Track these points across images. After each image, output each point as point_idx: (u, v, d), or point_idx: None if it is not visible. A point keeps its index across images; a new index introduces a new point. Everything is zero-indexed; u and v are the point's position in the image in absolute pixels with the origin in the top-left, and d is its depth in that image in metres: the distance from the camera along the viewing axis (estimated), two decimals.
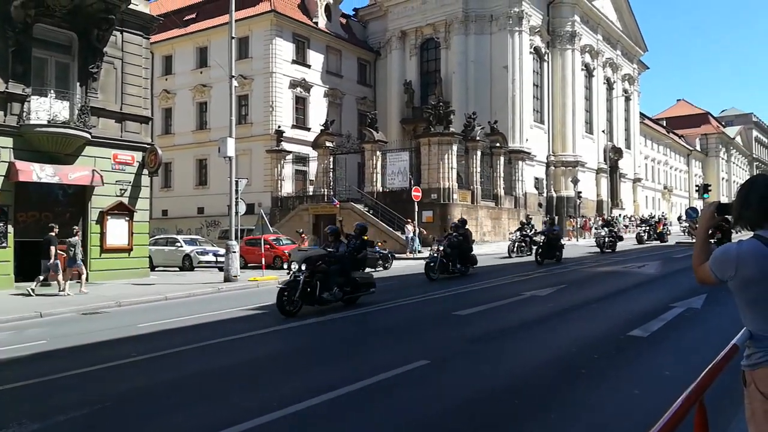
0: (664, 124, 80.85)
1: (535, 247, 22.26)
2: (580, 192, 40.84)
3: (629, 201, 56.55)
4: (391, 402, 5.49)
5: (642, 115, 65.03)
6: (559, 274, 16.65)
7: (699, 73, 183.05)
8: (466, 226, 17.93)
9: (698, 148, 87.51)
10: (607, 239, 25.65)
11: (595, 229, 32.17)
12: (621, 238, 28.52)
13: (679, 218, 47.37)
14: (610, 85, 52.94)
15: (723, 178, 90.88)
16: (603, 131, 49.17)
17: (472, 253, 17.60)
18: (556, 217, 27.76)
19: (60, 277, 14.73)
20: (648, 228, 32.85)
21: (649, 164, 68.79)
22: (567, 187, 42.70)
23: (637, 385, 5.74)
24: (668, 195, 74.85)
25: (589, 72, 48.34)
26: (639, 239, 31.09)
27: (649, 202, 66.51)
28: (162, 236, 27.61)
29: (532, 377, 6.21)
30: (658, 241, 31.63)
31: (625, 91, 56.12)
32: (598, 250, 25.62)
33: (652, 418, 1.99)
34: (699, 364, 6.35)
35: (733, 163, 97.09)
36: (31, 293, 14.51)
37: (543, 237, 21.39)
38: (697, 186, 37.67)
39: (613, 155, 50.12)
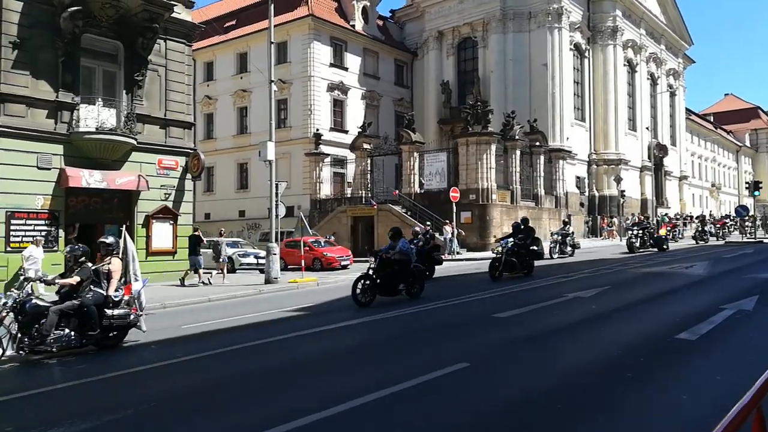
0: (712, 120, 78.26)
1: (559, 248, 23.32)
2: (624, 191, 39.91)
3: (675, 199, 54.91)
4: (431, 404, 5.45)
5: (688, 111, 63.09)
6: (603, 276, 16.29)
7: (748, 66, 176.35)
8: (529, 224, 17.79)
9: (748, 143, 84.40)
10: (639, 240, 24.66)
11: (627, 229, 29.24)
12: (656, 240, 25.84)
13: (727, 216, 45.47)
14: (654, 80, 51.55)
15: None
16: (647, 128, 47.89)
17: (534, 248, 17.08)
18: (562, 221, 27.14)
19: (201, 270, 18.32)
20: (641, 232, 25.47)
21: (696, 161, 66.67)
22: (610, 186, 41.76)
23: (686, 391, 5.56)
24: (716, 193, 72.38)
25: (631, 67, 47.18)
26: (630, 247, 24.45)
27: (696, 200, 64.43)
28: (206, 239, 28.11)
29: (576, 381, 6.07)
30: (655, 249, 25.09)
31: (670, 86, 54.54)
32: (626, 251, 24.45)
33: (701, 425, 1.92)
34: (752, 368, 6.14)
35: None
36: (182, 283, 17.93)
37: (557, 237, 22.58)
38: (747, 183, 36.36)
39: (658, 152, 48.76)
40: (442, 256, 21.96)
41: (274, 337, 9.25)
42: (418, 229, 19.05)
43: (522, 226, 17.21)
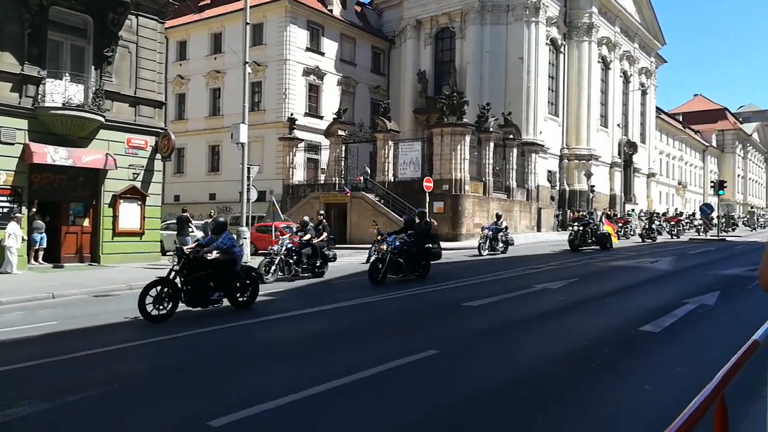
0: (681, 119, 79.93)
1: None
2: (593, 186, 40.52)
3: (643, 196, 56.06)
4: (399, 390, 5.46)
5: (658, 110, 64.29)
6: (571, 268, 16.53)
7: (717, 69, 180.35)
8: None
9: (714, 144, 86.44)
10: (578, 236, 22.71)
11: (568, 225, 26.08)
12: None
13: (693, 214, 46.55)
14: (626, 78, 52.33)
15: (739, 175, 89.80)
16: (618, 125, 48.69)
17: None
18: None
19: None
20: (581, 228, 22.95)
21: (665, 159, 68.09)
22: (580, 181, 42.38)
23: (649, 381, 5.67)
24: (682, 191, 74.12)
25: (605, 64, 47.80)
26: (570, 244, 22.69)
27: (663, 197, 65.89)
28: (173, 221, 27.73)
29: (542, 370, 6.15)
30: (597, 246, 23.16)
31: (642, 84, 55.45)
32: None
33: (663, 414, 1.94)
34: (711, 361, 6.30)
35: (750, 160, 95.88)
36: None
37: (488, 232, 21.77)
38: (712, 182, 37.23)
39: (628, 149, 49.65)
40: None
41: (242, 321, 9.15)
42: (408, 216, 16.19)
43: (417, 221, 15.09)
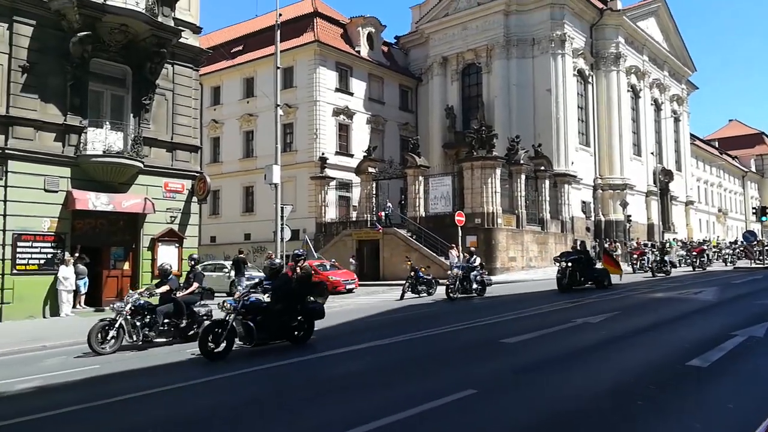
0: (717, 145, 78.32)
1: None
2: (630, 216, 39.77)
3: (682, 225, 54.70)
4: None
5: (693, 137, 63.20)
6: (612, 301, 16.12)
7: (752, 93, 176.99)
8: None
9: (753, 169, 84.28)
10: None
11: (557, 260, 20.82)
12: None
13: (705, 241, 43.45)
14: (657, 106, 51.77)
15: None
16: (652, 153, 47.95)
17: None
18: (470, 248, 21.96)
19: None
20: (569, 265, 19.20)
21: (702, 186, 66.57)
22: (616, 211, 41.66)
23: (699, 419, 5.44)
24: (723, 218, 72.11)
25: (635, 93, 47.44)
26: (558, 284, 19.24)
27: (703, 225, 64.17)
28: (210, 262, 28.19)
29: (586, 408, 5.95)
30: (593, 285, 19.51)
31: (674, 111, 54.76)
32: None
33: None
34: (765, 396, 6.00)
35: None
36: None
37: (458, 271, 18.91)
38: (754, 209, 36.15)
39: (663, 178, 48.74)
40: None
41: (288, 360, 9.13)
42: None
43: (277, 270, 11.20)
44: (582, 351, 9.01)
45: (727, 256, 34.77)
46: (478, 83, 43.69)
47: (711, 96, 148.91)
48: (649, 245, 32.70)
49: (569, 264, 19.23)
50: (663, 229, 47.81)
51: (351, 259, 29.87)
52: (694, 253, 30.61)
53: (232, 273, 24.21)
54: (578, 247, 21.48)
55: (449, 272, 19.92)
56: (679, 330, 10.86)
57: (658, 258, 26.37)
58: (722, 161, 73.95)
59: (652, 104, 50.41)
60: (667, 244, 32.42)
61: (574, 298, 16.79)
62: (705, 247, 32.83)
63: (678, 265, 31.45)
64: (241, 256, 20.08)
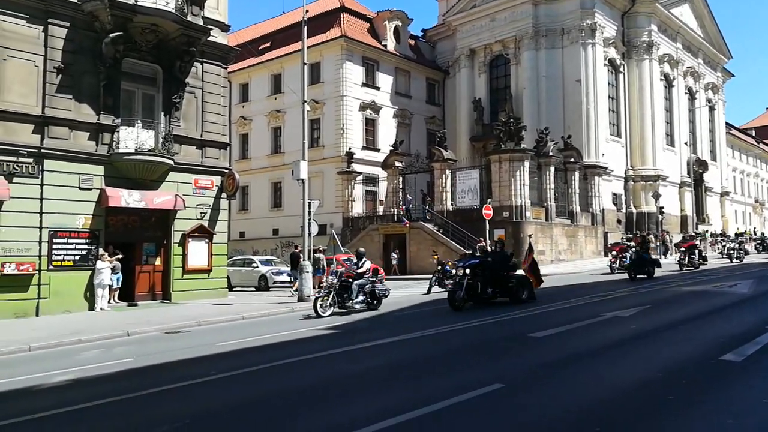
0: (753, 134, 76.09)
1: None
2: (662, 207, 38.98)
3: (717, 216, 53.35)
4: (463, 426, 5.34)
5: (728, 126, 61.50)
6: (642, 294, 15.86)
7: None
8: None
9: None
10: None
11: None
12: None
13: (741, 234, 41.36)
14: (692, 94, 50.49)
15: None
16: (685, 143, 46.84)
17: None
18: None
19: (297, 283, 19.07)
20: (466, 272, 14.10)
21: (738, 177, 64.80)
22: (648, 203, 40.84)
23: (732, 415, 5.33)
24: (760, 209, 70.11)
25: (668, 82, 46.34)
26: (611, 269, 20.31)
27: (739, 216, 62.48)
28: (239, 257, 28.59)
29: (616, 404, 5.88)
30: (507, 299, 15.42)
31: (709, 100, 53.33)
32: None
33: None
34: None
35: None
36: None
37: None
38: None
39: (698, 168, 47.58)
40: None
41: (308, 354, 9.23)
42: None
43: (494, 249, 11.96)
44: (611, 345, 8.90)
45: (728, 251, 30.00)
46: (506, 75, 43.23)
47: (748, 83, 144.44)
48: (698, 237, 30.90)
49: (467, 271, 14.13)
50: (697, 221, 46.73)
51: (393, 254, 29.98)
52: (683, 249, 25.24)
53: (260, 266, 24.93)
54: (495, 246, 16.65)
55: (326, 279, 17.61)
56: (712, 324, 10.64)
57: (633, 257, 21.36)
58: (759, 150, 71.87)
59: (686, 93, 49.18)
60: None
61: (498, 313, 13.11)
62: (697, 242, 27.59)
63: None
64: (297, 251, 21.04)
